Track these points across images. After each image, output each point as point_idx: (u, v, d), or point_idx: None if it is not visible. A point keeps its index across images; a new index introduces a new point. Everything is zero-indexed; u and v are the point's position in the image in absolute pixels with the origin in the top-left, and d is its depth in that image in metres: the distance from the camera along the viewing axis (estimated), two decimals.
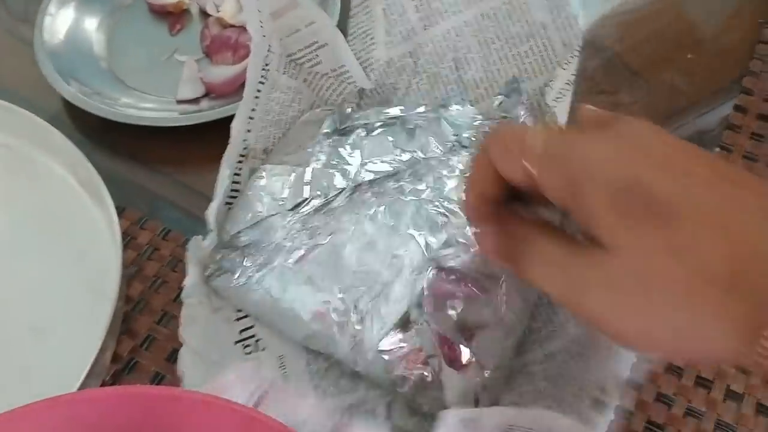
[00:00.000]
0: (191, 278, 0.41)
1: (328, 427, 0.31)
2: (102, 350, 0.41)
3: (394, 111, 0.44)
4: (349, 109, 0.45)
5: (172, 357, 0.45)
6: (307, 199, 0.41)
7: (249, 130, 0.45)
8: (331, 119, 0.44)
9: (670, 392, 0.43)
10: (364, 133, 0.43)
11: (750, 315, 0.25)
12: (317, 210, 0.41)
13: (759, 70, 0.58)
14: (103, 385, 0.44)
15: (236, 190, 0.45)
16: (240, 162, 0.45)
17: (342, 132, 0.44)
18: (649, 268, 0.26)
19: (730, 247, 0.25)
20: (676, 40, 0.61)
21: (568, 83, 0.38)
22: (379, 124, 0.43)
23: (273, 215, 0.41)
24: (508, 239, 0.31)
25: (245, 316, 0.43)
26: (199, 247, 0.42)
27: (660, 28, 0.62)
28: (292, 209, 0.42)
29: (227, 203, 0.44)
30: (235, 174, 0.45)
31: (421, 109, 0.43)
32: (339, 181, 0.41)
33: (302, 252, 0.40)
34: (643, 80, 0.59)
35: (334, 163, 0.42)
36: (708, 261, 0.25)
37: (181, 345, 0.40)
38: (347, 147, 0.42)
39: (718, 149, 0.53)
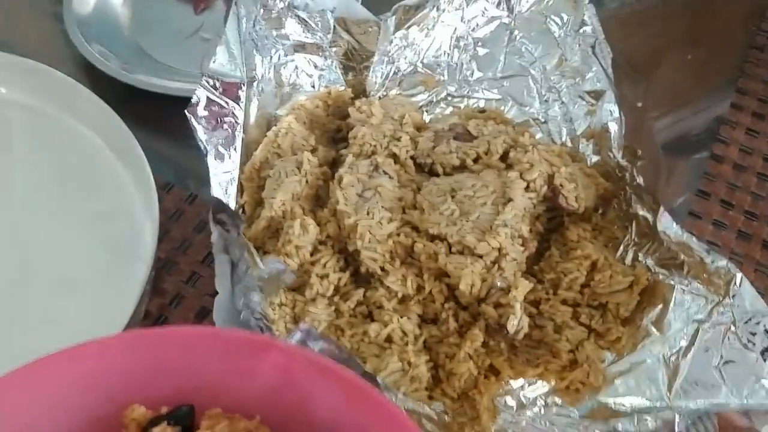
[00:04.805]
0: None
1: None
2: (136, 308, 0.43)
3: None
4: None
5: (200, 314, 0.47)
6: None
7: None
8: None
9: None
10: None
11: None
12: None
13: (752, 72, 0.61)
14: None
15: None
16: None
17: None
18: None
19: None
20: (676, 40, 0.64)
21: None
22: None
23: None
24: None
25: None
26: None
27: (660, 28, 0.65)
28: None
29: None
30: None
31: None
32: None
33: None
34: (642, 77, 0.62)
35: None
36: None
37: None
38: None
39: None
